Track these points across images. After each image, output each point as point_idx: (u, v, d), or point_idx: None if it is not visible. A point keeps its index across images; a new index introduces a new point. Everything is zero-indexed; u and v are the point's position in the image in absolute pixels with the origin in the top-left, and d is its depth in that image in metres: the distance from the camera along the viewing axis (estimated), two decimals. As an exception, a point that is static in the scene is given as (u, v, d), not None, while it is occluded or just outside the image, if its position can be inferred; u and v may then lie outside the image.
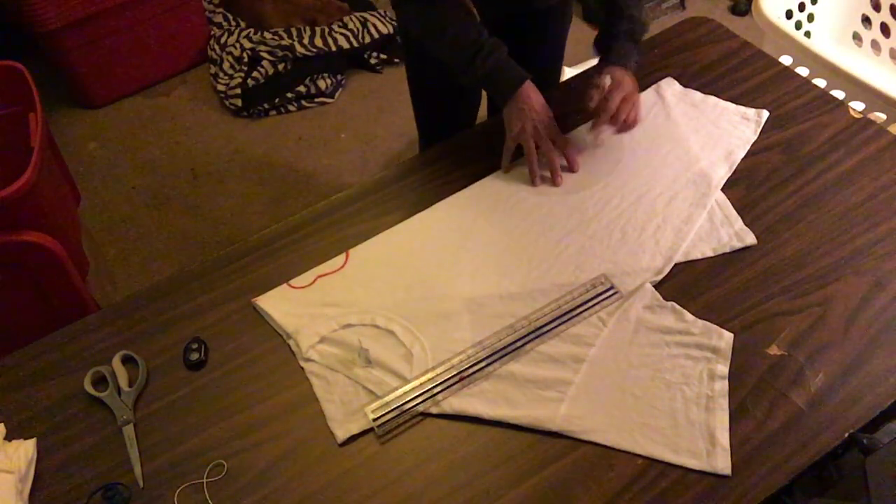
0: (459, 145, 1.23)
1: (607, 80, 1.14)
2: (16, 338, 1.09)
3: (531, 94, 1.12)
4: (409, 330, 0.98)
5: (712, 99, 1.25)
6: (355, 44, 2.53)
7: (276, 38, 2.50)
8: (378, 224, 1.12)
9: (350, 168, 2.28)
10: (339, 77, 2.53)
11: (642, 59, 1.33)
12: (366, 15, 2.62)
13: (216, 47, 2.57)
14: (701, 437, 0.85)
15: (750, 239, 1.04)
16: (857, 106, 1.52)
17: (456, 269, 1.05)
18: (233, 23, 2.64)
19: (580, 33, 2.68)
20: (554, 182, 1.14)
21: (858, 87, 1.52)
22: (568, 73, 2.12)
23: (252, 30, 2.58)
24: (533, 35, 1.33)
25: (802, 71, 1.58)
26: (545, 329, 0.96)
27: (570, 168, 1.15)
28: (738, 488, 0.81)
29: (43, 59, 2.37)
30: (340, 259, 1.08)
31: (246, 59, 2.47)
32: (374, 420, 0.89)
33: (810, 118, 1.21)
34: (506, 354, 0.94)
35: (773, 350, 0.92)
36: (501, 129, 1.16)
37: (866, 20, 1.89)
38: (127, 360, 0.99)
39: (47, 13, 2.17)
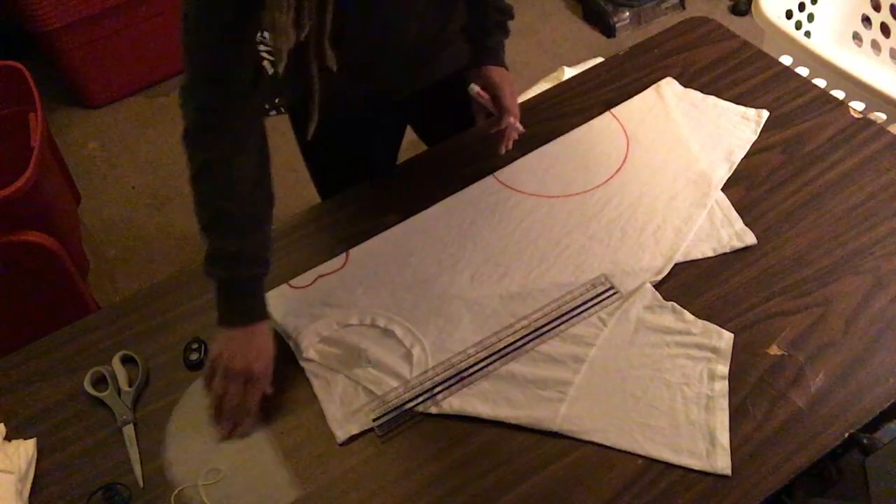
0: (459, 146, 1.23)
1: (494, 81, 1.09)
2: (16, 338, 1.09)
3: (252, 340, 0.90)
4: (409, 330, 0.98)
5: (712, 99, 1.25)
6: (355, 44, 2.53)
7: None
8: (378, 224, 1.12)
9: (350, 168, 2.27)
10: (339, 77, 2.53)
11: (642, 59, 1.34)
12: (366, 15, 2.61)
13: (216, 47, 2.57)
14: (701, 437, 0.85)
15: (750, 239, 1.04)
16: (857, 106, 1.52)
17: (456, 269, 1.05)
18: (233, 23, 2.64)
19: (580, 33, 2.68)
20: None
21: (858, 87, 1.52)
22: (568, 72, 2.12)
23: (252, 30, 2.58)
24: (446, 93, 1.19)
25: (802, 71, 1.57)
26: (545, 329, 0.96)
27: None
28: (738, 488, 0.81)
29: (43, 59, 2.37)
30: (340, 259, 1.07)
31: (246, 59, 2.47)
32: (374, 420, 0.89)
33: (810, 118, 1.21)
34: (506, 354, 0.94)
35: (773, 350, 0.92)
36: (500, 137, 1.15)
37: (866, 20, 1.89)
38: (127, 360, 0.99)
39: (47, 13, 2.17)
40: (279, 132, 2.08)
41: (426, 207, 1.13)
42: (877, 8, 1.84)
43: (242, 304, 0.91)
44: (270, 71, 0.90)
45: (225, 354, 0.90)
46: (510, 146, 1.14)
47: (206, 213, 0.90)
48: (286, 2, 0.76)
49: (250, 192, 0.90)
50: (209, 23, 0.82)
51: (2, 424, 0.92)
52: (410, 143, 1.54)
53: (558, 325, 0.96)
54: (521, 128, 1.11)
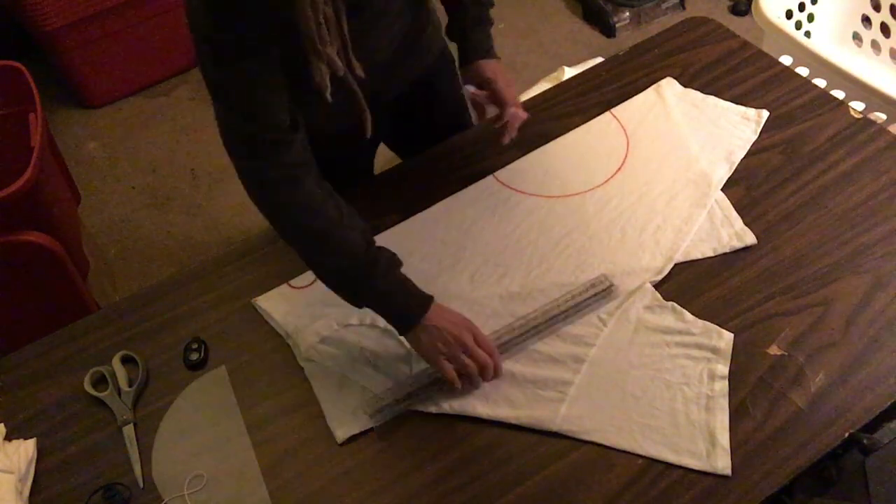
0: (458, 146, 1.23)
1: (486, 76, 1.06)
2: (16, 338, 1.09)
3: (443, 314, 0.89)
4: (409, 330, 0.97)
5: (712, 99, 1.25)
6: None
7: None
8: (378, 224, 1.12)
9: (350, 168, 2.27)
10: (339, 77, 2.53)
11: (642, 59, 1.33)
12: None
13: (216, 47, 2.57)
14: (701, 437, 0.85)
15: (750, 239, 1.04)
16: (857, 106, 1.51)
17: (456, 269, 1.05)
18: (233, 23, 2.64)
19: (580, 33, 2.68)
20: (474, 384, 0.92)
21: (858, 87, 1.52)
22: (568, 72, 2.12)
23: (252, 30, 2.57)
24: (424, 97, 1.20)
25: (802, 71, 1.57)
26: (545, 329, 0.96)
27: (495, 373, 0.91)
28: (738, 488, 0.81)
29: (43, 59, 2.37)
30: (340, 259, 1.07)
31: (246, 59, 2.47)
32: (373, 417, 0.89)
33: (810, 118, 1.21)
34: (505, 354, 0.94)
35: (773, 350, 0.92)
36: (503, 130, 1.15)
37: (866, 20, 1.89)
38: (127, 360, 0.99)
39: (47, 13, 2.17)
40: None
41: (426, 207, 1.13)
42: (877, 8, 1.84)
43: (412, 296, 0.89)
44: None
45: (437, 338, 0.87)
46: (515, 135, 1.10)
47: (337, 249, 0.88)
48: (327, 34, 0.76)
49: (347, 210, 0.89)
50: (247, 83, 0.80)
51: (2, 424, 0.92)
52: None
53: (558, 325, 0.96)
54: (524, 114, 1.09)
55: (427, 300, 0.88)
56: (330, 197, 0.88)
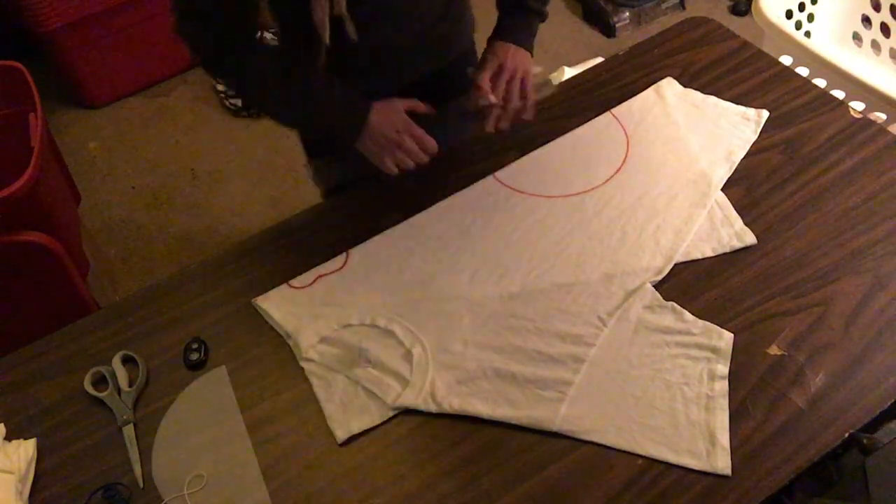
0: (458, 146, 1.23)
1: (484, 57, 1.06)
2: (16, 338, 1.09)
3: (383, 116, 1.01)
4: (409, 330, 0.98)
5: (712, 99, 1.25)
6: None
7: (276, 37, 2.49)
8: (378, 224, 1.12)
9: (350, 168, 2.27)
10: (339, 77, 2.53)
11: (642, 59, 1.33)
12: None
13: (216, 47, 2.57)
14: (701, 437, 0.85)
15: (750, 239, 1.04)
16: (857, 106, 1.51)
17: (456, 269, 1.05)
18: (233, 23, 2.64)
19: (580, 33, 2.68)
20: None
21: (858, 87, 1.52)
22: (568, 72, 2.12)
23: (252, 30, 2.58)
24: (436, 93, 1.19)
25: (802, 71, 1.57)
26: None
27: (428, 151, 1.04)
28: (738, 488, 0.81)
29: (43, 59, 2.37)
30: (340, 259, 1.08)
31: (246, 59, 2.47)
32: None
33: (810, 118, 1.21)
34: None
35: (773, 350, 0.92)
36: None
37: (866, 20, 1.89)
38: (127, 360, 0.99)
39: (47, 13, 2.17)
40: (281, 131, 2.06)
41: (426, 207, 1.13)
42: (877, 8, 1.84)
43: (351, 106, 1.00)
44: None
45: (380, 140, 0.99)
46: (495, 125, 1.07)
47: (244, 78, 1.04)
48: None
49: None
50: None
51: (2, 424, 0.92)
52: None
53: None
54: (491, 99, 1.05)
55: (365, 109, 0.99)
56: (271, 55, 1.01)
